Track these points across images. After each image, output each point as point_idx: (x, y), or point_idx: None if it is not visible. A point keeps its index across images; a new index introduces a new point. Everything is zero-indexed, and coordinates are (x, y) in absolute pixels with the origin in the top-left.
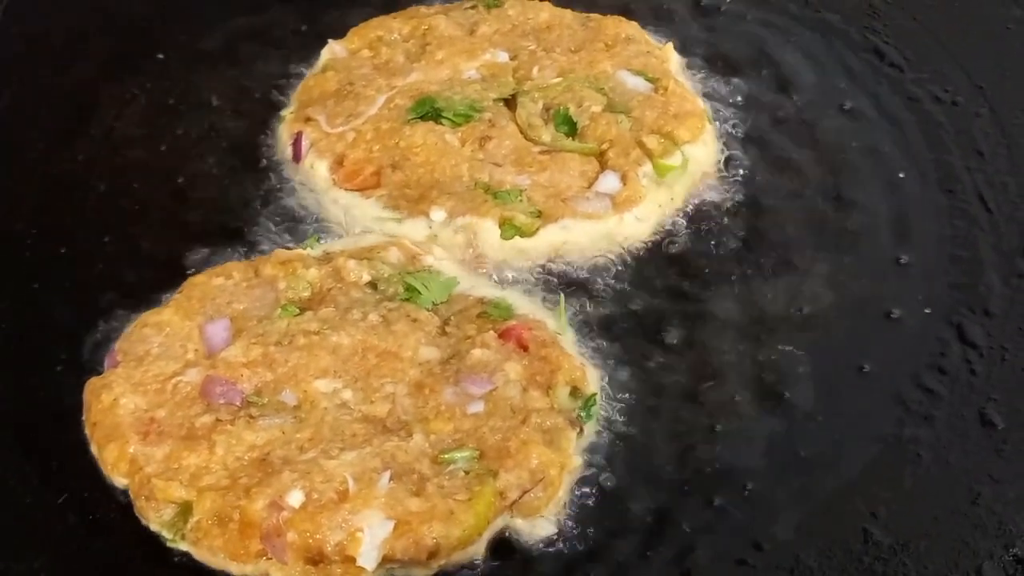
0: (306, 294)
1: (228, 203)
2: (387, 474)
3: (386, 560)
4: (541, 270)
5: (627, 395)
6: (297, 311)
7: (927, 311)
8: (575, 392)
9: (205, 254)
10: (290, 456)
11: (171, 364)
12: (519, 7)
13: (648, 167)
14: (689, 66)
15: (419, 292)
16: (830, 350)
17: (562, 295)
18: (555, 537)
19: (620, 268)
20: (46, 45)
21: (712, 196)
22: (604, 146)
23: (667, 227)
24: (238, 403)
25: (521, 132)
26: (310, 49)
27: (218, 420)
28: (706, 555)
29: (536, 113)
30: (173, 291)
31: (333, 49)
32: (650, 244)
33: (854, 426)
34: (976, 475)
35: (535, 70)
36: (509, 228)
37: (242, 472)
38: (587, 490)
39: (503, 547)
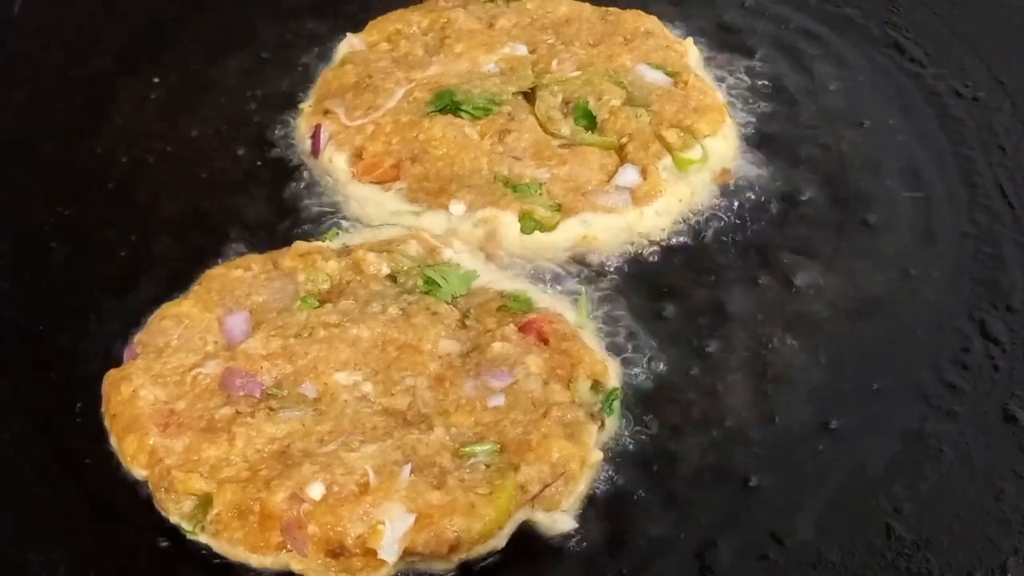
0: (325, 286)
1: (246, 195)
2: (408, 467)
3: (407, 553)
4: (561, 264)
5: (649, 390)
6: (317, 303)
7: (949, 306)
8: (596, 386)
9: (223, 246)
10: (310, 448)
11: (190, 356)
12: (538, 0)
13: (668, 161)
14: (708, 61)
15: (439, 285)
16: (852, 345)
17: (584, 289)
18: (576, 531)
19: (640, 262)
20: (63, 39)
21: (732, 190)
22: (623, 140)
23: (687, 221)
24: (258, 395)
25: (540, 126)
26: (328, 42)
27: (238, 412)
28: (727, 550)
29: (555, 107)
30: (192, 283)
31: (351, 42)
32: (670, 238)
33: (876, 422)
34: (999, 471)
35: (554, 63)
36: (529, 222)
37: (262, 464)
38: (608, 484)
39: (524, 541)
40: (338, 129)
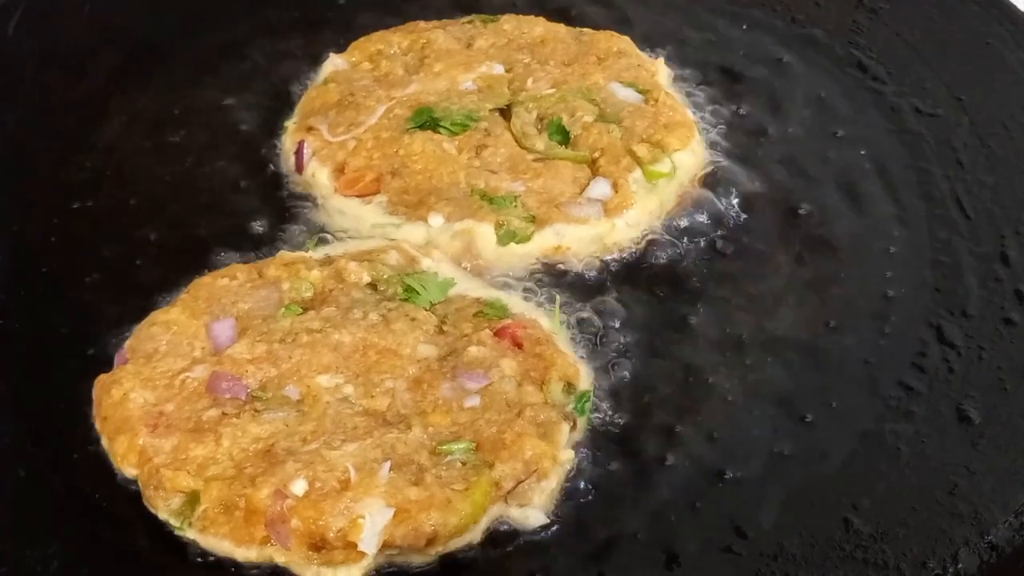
0: (308, 294)
1: (233, 209)
2: (387, 464)
3: (386, 546)
4: (536, 272)
5: (618, 392)
6: (300, 310)
7: (908, 313)
8: (568, 388)
9: (211, 256)
10: (294, 447)
11: (179, 361)
12: (515, 22)
13: (638, 174)
14: (677, 79)
15: (417, 292)
16: (814, 351)
17: (557, 296)
18: (547, 526)
19: (611, 271)
20: (56, 59)
21: (699, 204)
22: (595, 154)
23: (656, 233)
24: (243, 397)
25: (516, 141)
26: (312, 62)
27: (224, 414)
28: (693, 543)
29: (530, 123)
30: (180, 292)
31: (335, 62)
32: (640, 249)
33: (837, 422)
34: (953, 467)
35: (529, 82)
36: (504, 233)
37: (247, 462)
38: (578, 481)
39: (498, 535)
40: (321, 145)
